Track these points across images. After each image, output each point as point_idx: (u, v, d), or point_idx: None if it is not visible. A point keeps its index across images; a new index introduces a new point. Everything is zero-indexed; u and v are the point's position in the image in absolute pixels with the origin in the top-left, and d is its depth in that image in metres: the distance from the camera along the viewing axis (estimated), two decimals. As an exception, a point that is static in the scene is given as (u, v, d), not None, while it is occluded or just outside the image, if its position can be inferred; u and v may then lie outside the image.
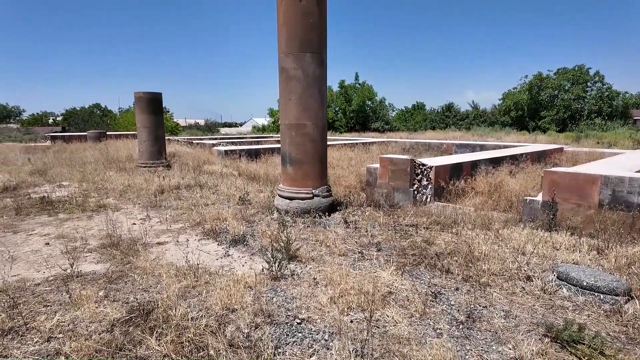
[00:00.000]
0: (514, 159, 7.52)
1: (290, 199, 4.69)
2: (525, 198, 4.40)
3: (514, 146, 10.70)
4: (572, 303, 2.51)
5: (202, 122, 49.52)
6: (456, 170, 6.17)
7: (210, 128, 37.26)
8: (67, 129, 28.32)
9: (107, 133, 15.80)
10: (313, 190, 4.72)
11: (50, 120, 39.47)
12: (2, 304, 2.40)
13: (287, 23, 4.49)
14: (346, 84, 34.57)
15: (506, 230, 3.82)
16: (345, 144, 13.21)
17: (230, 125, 63.37)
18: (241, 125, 65.94)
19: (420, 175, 5.78)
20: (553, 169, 4.35)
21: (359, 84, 34.81)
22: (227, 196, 5.86)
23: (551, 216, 3.97)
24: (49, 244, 3.78)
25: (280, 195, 4.82)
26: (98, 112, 33.88)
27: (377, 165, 5.91)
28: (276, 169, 7.89)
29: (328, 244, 3.58)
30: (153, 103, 8.94)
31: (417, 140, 15.04)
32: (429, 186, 5.79)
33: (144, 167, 8.66)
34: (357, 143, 13.44)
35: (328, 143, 13.91)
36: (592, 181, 3.94)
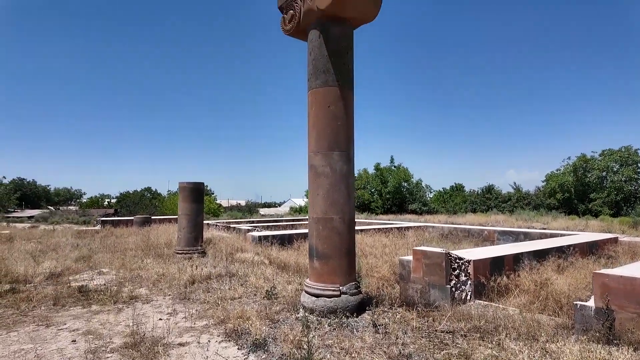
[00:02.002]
0: (561, 251, 6.97)
1: (317, 296, 4.53)
2: (576, 303, 3.96)
3: (561, 235, 10.00)
4: None
5: (243, 202, 51.49)
6: (497, 265, 5.78)
7: (250, 209, 38.46)
8: (119, 212, 30.33)
9: (152, 217, 16.70)
10: (340, 287, 4.55)
11: (106, 203, 42.67)
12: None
13: (316, 125, 4.80)
14: (381, 166, 35.29)
15: (554, 344, 3.38)
16: (379, 228, 13.00)
17: (269, 205, 65.26)
18: (280, 205, 67.70)
19: (457, 270, 5.44)
20: (603, 270, 3.95)
21: (395, 167, 35.39)
22: (255, 288, 5.78)
23: (607, 327, 3.50)
24: (75, 341, 3.80)
25: (306, 292, 4.67)
26: (148, 195, 36.34)
27: (411, 258, 5.67)
28: (307, 257, 7.79)
29: (353, 354, 3.32)
30: (195, 192, 9.49)
31: (456, 226, 14.53)
32: (468, 282, 5.41)
33: (181, 253, 8.89)
34: (391, 228, 13.19)
35: (362, 227, 13.77)
36: (652, 287, 3.50)
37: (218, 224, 15.11)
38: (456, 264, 5.40)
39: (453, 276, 5.32)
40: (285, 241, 10.06)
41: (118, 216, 25.95)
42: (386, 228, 13.13)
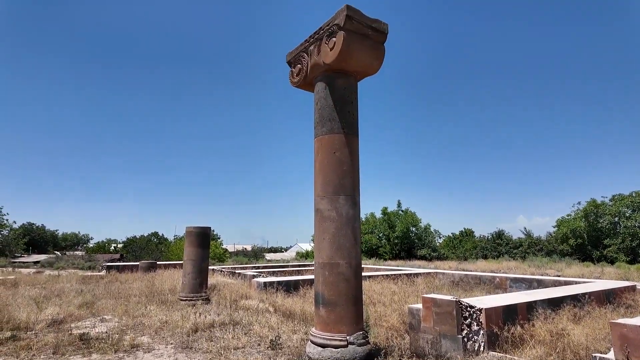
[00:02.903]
0: (577, 299, 6.72)
1: (323, 346, 4.38)
2: (595, 355, 3.78)
3: (576, 282, 9.68)
4: None
5: (249, 247, 50.92)
6: (510, 313, 5.58)
7: (256, 254, 37.94)
8: (125, 257, 30.15)
9: (158, 263, 16.56)
10: (348, 337, 4.41)
11: (112, 248, 42.54)
12: None
13: (322, 171, 4.91)
14: (389, 210, 35.09)
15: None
16: (388, 274, 12.70)
17: (276, 250, 64.43)
18: (286, 250, 66.82)
19: (469, 319, 5.25)
20: (621, 320, 3.80)
21: (402, 211, 35.17)
22: (260, 337, 5.61)
23: (631, 382, 3.31)
24: (72, 392, 3.68)
25: (312, 342, 4.53)
26: (155, 240, 36.25)
27: (420, 306, 5.50)
28: (313, 304, 7.60)
29: (360, 408, 3.16)
30: (201, 237, 9.49)
31: (466, 273, 14.16)
32: (481, 332, 5.20)
33: (185, 300, 8.73)
34: (400, 274, 12.88)
35: (370, 273, 13.47)
36: (673, 338, 3.35)
37: (223, 269, 14.91)
38: (467, 313, 5.23)
39: (465, 325, 5.13)
40: (291, 287, 9.85)
41: (124, 261, 25.77)
42: (395, 274, 12.82)
